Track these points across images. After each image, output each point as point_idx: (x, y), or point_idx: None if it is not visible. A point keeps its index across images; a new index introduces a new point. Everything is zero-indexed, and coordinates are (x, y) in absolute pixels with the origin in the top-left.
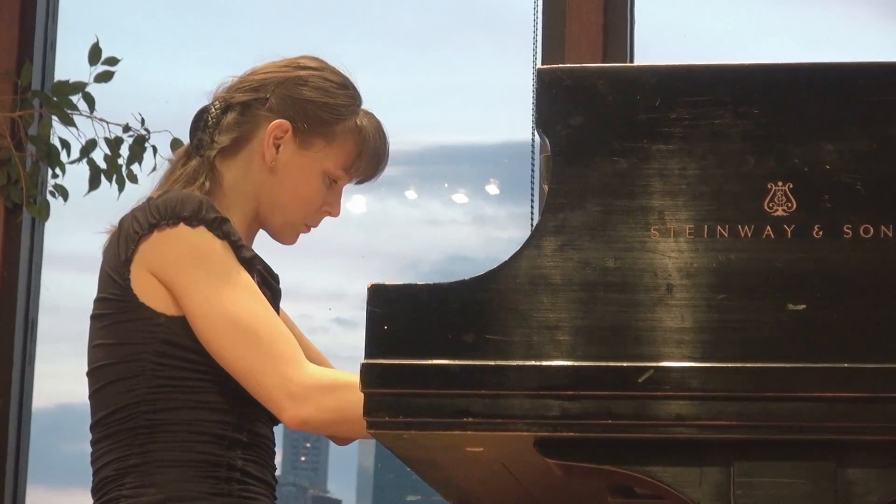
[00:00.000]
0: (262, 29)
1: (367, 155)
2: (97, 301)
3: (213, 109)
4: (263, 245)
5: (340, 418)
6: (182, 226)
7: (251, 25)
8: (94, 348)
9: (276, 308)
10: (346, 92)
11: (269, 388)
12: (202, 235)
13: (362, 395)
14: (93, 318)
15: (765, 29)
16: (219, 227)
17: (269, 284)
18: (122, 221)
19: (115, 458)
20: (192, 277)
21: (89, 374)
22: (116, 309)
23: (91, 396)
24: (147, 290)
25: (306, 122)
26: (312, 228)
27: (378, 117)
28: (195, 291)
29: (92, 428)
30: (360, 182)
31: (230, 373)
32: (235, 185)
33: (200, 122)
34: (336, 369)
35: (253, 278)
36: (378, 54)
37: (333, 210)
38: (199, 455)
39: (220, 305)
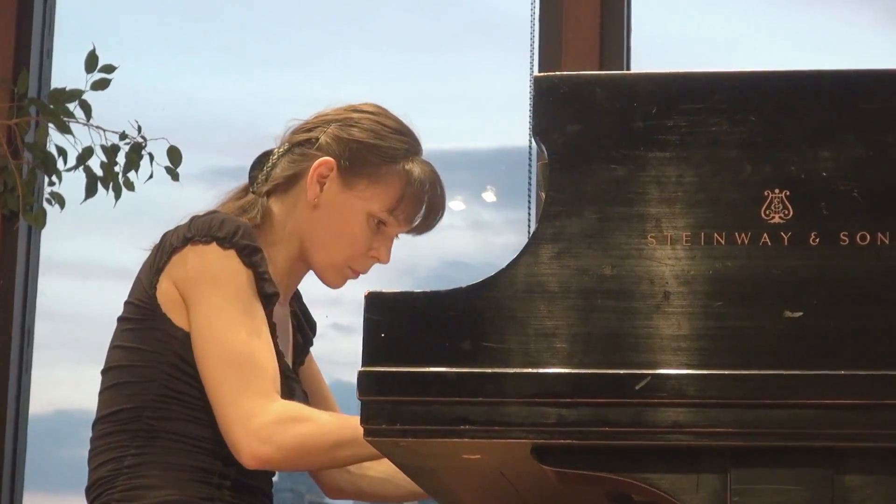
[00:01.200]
0: (261, 35)
1: (411, 199)
2: (125, 304)
3: (276, 152)
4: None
5: (299, 454)
6: (214, 245)
7: (250, 31)
8: (113, 349)
9: (304, 356)
10: (398, 137)
11: (231, 422)
12: (229, 259)
13: (321, 426)
14: (119, 319)
15: (764, 35)
16: (249, 255)
17: (304, 331)
18: (164, 235)
19: (111, 458)
20: (204, 296)
21: (104, 372)
22: (141, 315)
23: (100, 393)
24: (170, 302)
25: (350, 161)
26: (361, 274)
27: (434, 168)
28: (201, 310)
29: (94, 424)
30: (414, 232)
31: (208, 396)
32: (282, 221)
33: (262, 163)
34: (307, 407)
35: (269, 315)
36: (375, 60)
37: (381, 255)
38: (194, 463)
39: (218, 329)
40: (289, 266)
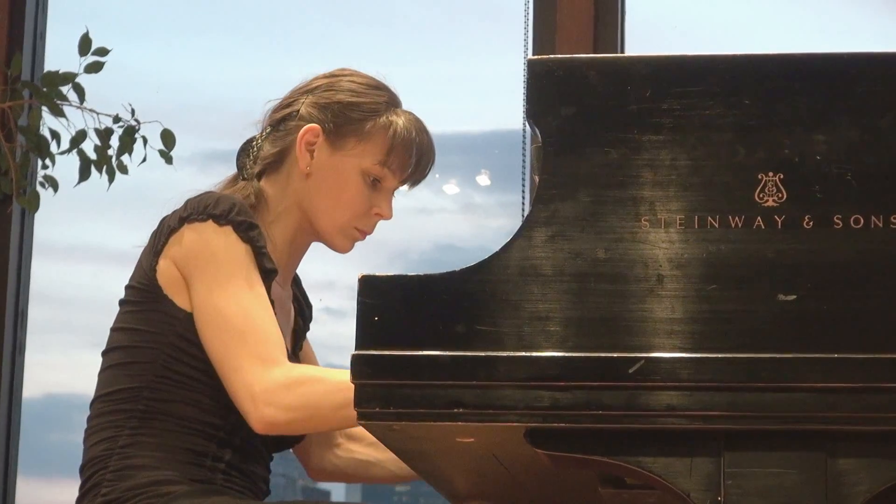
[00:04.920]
0: (260, 16)
1: (400, 149)
2: (126, 287)
3: (258, 138)
4: None
5: (305, 415)
6: (210, 222)
7: (248, 13)
8: (114, 331)
9: (302, 340)
10: (376, 92)
11: (237, 389)
12: (226, 235)
13: (328, 385)
14: (120, 302)
15: (758, 18)
16: (246, 230)
17: (303, 314)
18: (161, 220)
19: (106, 437)
20: (203, 273)
21: (104, 353)
22: (142, 297)
23: (100, 374)
24: (171, 283)
25: (334, 123)
26: (368, 235)
27: (418, 116)
28: (201, 287)
29: (92, 403)
30: (408, 182)
31: (216, 371)
32: (278, 199)
33: (247, 149)
34: (318, 367)
35: (269, 290)
36: (370, 43)
37: (383, 212)
38: (187, 445)
39: (219, 303)
40: (289, 243)
